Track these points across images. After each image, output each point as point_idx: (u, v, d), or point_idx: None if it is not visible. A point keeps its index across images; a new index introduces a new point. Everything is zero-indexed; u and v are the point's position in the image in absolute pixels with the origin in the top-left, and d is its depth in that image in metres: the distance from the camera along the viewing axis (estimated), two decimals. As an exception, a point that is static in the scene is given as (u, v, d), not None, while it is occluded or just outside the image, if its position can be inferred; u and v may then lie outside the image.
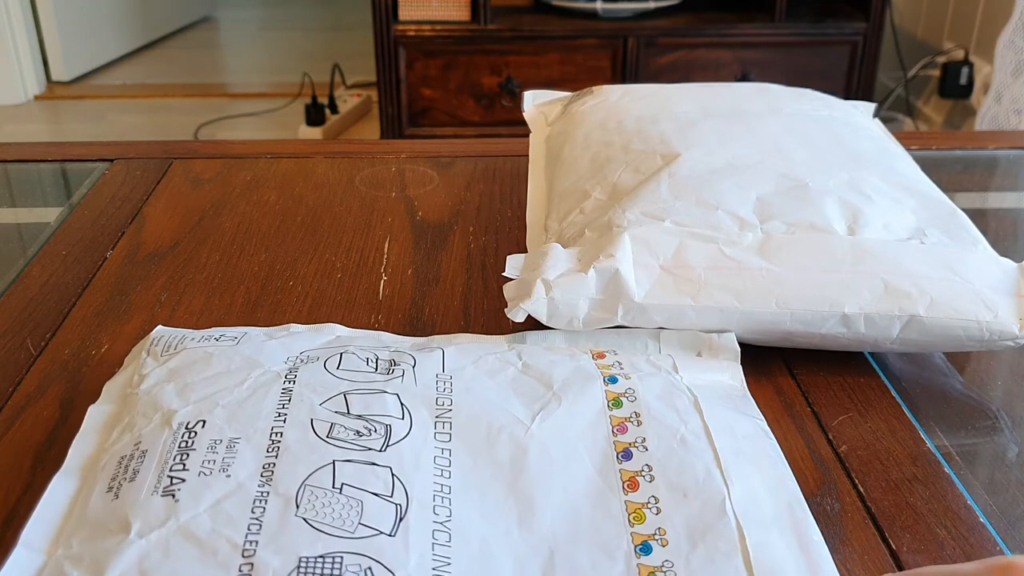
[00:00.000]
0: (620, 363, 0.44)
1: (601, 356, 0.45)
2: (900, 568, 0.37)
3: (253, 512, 0.33)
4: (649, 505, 0.36)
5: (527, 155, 0.67)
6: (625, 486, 0.37)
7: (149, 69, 3.16)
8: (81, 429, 0.40)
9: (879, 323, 0.47)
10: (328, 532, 0.32)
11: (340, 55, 3.09)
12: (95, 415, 0.41)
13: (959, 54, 2.35)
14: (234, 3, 4.03)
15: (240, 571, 0.31)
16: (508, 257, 0.51)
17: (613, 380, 0.42)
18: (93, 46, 3.10)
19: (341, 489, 0.34)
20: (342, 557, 0.32)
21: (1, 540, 0.38)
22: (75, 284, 0.57)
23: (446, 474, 0.36)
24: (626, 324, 0.48)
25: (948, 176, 0.76)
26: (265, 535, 0.32)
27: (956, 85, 2.31)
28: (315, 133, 2.47)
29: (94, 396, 0.46)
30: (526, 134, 0.71)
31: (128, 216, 0.66)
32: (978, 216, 0.65)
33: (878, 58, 2.24)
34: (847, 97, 2.24)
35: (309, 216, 0.66)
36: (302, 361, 0.42)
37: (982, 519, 0.40)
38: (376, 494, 0.34)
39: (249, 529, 0.33)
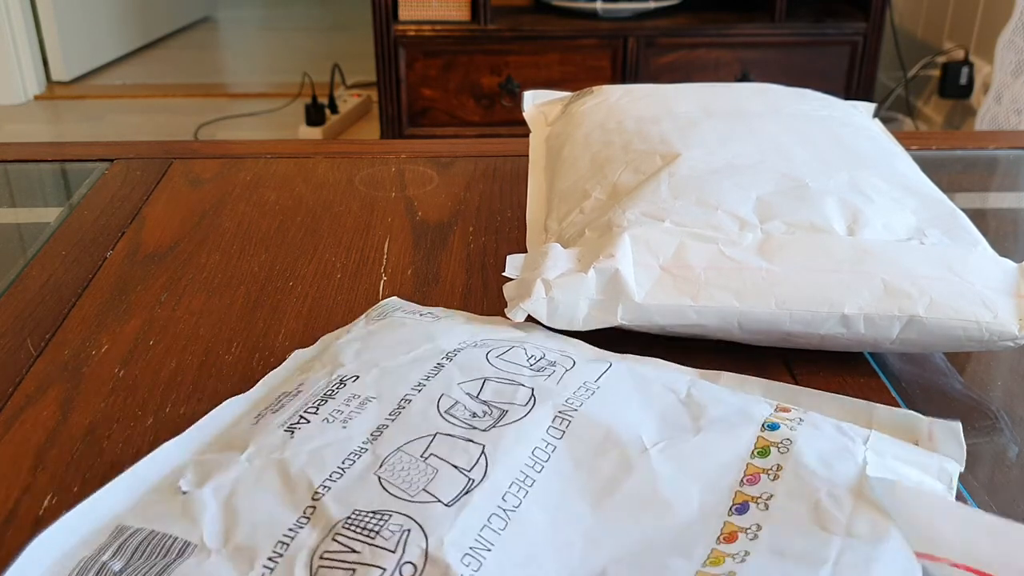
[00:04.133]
0: (801, 419, 0.39)
1: (785, 410, 0.40)
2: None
3: (343, 463, 0.35)
4: (736, 556, 0.32)
5: (527, 155, 0.68)
6: (722, 538, 0.33)
7: (149, 69, 3.16)
8: (280, 366, 0.45)
9: (879, 323, 0.47)
10: (391, 492, 0.34)
11: (340, 55, 3.09)
12: (297, 356, 0.46)
13: (959, 54, 2.35)
14: (234, 3, 4.03)
15: (304, 512, 0.33)
16: (508, 257, 0.51)
17: (773, 427, 0.38)
18: (93, 46, 3.10)
19: (427, 459, 0.35)
20: (390, 515, 0.33)
21: (1, 541, 0.38)
22: (75, 284, 0.57)
23: (538, 467, 0.36)
24: (626, 324, 0.48)
25: (948, 176, 0.76)
26: (340, 484, 0.34)
27: (956, 85, 2.31)
28: (315, 133, 2.47)
29: (94, 396, 0.47)
30: (526, 134, 0.71)
31: (128, 216, 0.66)
32: (978, 216, 0.65)
33: (878, 58, 2.24)
34: (847, 97, 2.24)
35: (309, 216, 0.66)
36: (474, 345, 0.43)
37: (982, 519, 0.39)
38: (455, 466, 0.35)
39: (330, 476, 0.35)
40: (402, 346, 0.43)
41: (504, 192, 0.70)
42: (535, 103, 0.73)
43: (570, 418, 0.38)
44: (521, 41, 2.22)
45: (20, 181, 0.76)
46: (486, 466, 0.35)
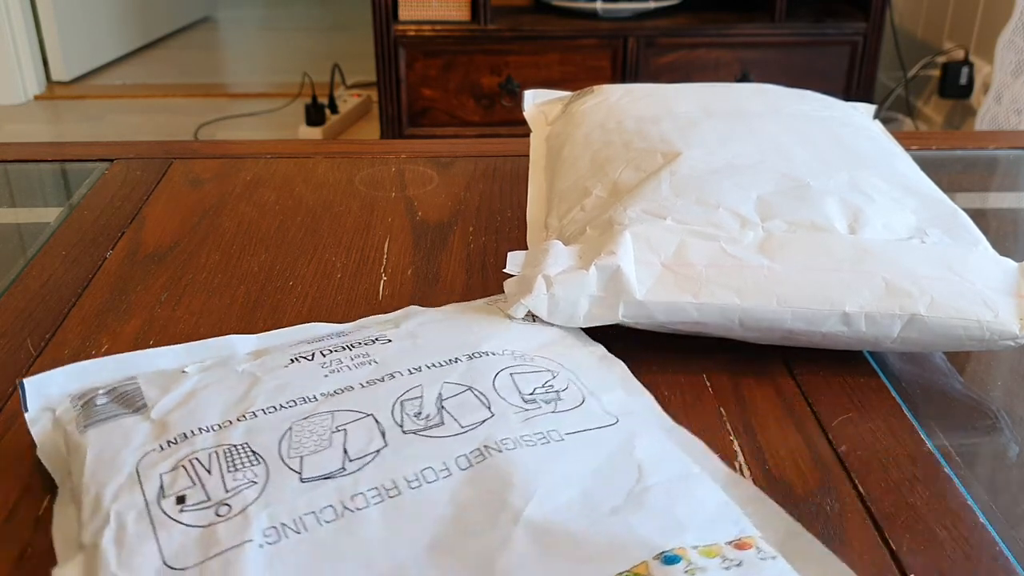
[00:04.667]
0: (737, 564, 0.31)
1: (743, 546, 0.33)
2: (900, 567, 0.37)
3: (287, 403, 0.38)
4: None
5: (527, 155, 0.68)
6: None
7: (149, 69, 3.16)
8: (388, 313, 0.48)
9: (880, 322, 0.47)
10: (281, 445, 0.35)
11: (340, 55, 3.09)
12: (409, 311, 0.48)
13: (959, 54, 2.35)
14: (234, 3, 4.03)
15: (220, 423, 0.37)
16: (509, 253, 0.51)
17: (671, 560, 0.31)
18: (93, 46, 3.10)
19: (335, 432, 0.36)
20: (260, 464, 0.35)
21: (1, 541, 0.38)
22: (75, 284, 0.57)
23: (415, 484, 0.34)
24: (627, 321, 0.48)
25: (948, 176, 0.76)
26: (265, 419, 0.37)
27: (956, 85, 2.31)
28: (315, 133, 2.47)
29: (94, 396, 0.46)
30: (526, 134, 0.71)
31: (128, 216, 0.66)
32: (978, 216, 0.65)
33: (878, 58, 2.24)
34: (847, 97, 2.24)
35: (309, 216, 0.66)
36: (511, 355, 0.43)
37: (982, 519, 0.39)
38: (345, 451, 0.36)
39: (266, 409, 0.37)
40: (454, 331, 0.44)
41: (504, 192, 0.70)
42: (535, 102, 0.73)
43: (487, 456, 0.35)
44: (521, 41, 2.21)
45: (20, 181, 0.76)
46: (366, 463, 0.35)
